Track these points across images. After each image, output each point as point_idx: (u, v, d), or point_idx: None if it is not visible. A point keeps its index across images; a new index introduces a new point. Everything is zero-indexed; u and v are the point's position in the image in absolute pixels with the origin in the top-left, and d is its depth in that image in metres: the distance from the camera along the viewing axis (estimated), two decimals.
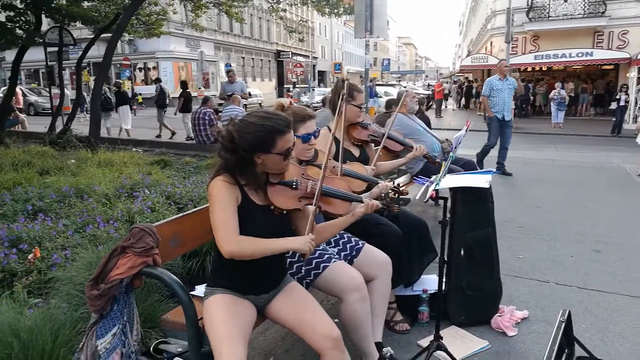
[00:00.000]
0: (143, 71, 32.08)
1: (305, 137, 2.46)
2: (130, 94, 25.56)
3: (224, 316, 1.90)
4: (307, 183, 2.10)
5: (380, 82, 34.06)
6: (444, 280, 2.79)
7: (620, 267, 4.12)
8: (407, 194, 2.70)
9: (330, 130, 3.15)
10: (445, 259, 2.82)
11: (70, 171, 6.34)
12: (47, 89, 17.02)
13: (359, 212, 2.18)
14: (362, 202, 2.21)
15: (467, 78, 31.74)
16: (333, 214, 2.21)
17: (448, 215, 2.82)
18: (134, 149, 9.08)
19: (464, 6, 59.95)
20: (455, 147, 2.98)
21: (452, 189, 2.99)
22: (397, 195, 2.63)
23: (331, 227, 2.21)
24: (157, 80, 16.83)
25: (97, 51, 15.81)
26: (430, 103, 23.45)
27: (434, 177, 2.67)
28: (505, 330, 2.99)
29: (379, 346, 2.52)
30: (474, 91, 26.78)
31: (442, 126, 16.69)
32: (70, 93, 15.02)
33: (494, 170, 2.96)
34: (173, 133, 13.41)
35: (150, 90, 15.23)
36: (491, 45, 24.89)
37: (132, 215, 4.05)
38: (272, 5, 14.50)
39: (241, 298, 2.02)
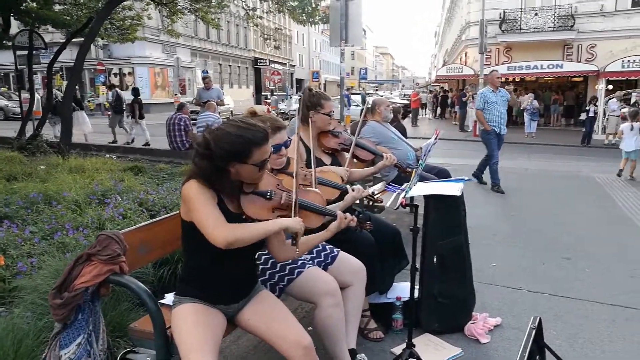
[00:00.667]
0: (118, 77, 31.59)
1: (275, 147, 2.45)
2: (106, 99, 25.22)
3: (193, 324, 1.87)
4: (282, 194, 2.06)
5: (356, 91, 34.02)
6: (416, 287, 2.80)
7: (589, 274, 4.21)
8: (382, 202, 2.70)
9: (300, 137, 3.14)
10: (417, 267, 2.82)
11: (39, 177, 6.16)
12: (17, 93, 16.61)
13: (334, 227, 2.16)
14: (335, 217, 2.18)
15: (442, 88, 32.16)
16: (306, 228, 2.18)
17: (420, 222, 2.82)
18: (106, 155, 8.90)
19: (440, 17, 60.98)
20: (425, 155, 3.01)
21: (425, 197, 3.00)
22: (371, 203, 2.62)
23: (306, 243, 2.15)
24: (112, 87, 16.63)
25: (70, 55, 15.48)
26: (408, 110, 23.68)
27: (405, 184, 2.68)
28: (478, 338, 3.01)
29: (353, 353, 2.51)
30: (449, 101, 27.16)
31: (418, 135, 16.85)
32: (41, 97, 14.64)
33: (466, 178, 2.99)
34: (114, 141, 12.95)
35: (127, 95, 15.07)
36: (466, 55, 25.30)
37: (102, 222, 3.96)
38: (247, 13, 14.47)
39: (210, 307, 1.98)
